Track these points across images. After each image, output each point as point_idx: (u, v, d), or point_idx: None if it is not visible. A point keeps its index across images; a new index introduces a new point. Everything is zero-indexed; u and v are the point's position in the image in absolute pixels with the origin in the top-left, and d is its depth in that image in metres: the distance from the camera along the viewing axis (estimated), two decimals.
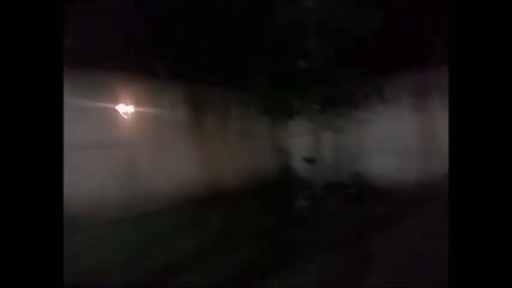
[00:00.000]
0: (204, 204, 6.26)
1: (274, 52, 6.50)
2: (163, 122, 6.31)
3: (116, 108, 5.67)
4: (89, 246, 4.20)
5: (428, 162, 6.25)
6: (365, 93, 6.86)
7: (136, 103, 5.92)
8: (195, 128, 6.88)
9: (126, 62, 5.61)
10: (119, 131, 5.72)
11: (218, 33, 6.48)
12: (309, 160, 6.55)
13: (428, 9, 5.71)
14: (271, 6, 6.01)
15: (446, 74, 1.77)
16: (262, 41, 6.33)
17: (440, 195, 4.25)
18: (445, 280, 1.65)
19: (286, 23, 5.94)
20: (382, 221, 5.00)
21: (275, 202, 6.40)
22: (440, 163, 4.51)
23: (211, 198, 6.55)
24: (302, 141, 7.50)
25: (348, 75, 6.18)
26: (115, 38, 5.66)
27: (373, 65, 5.89)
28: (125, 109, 5.78)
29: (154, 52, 6.15)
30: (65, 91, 5.29)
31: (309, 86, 6.39)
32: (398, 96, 6.69)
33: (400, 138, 6.50)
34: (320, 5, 5.98)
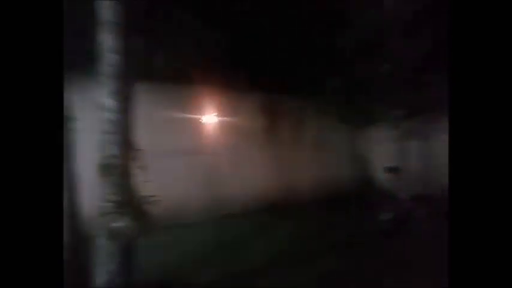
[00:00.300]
0: (280, 211, 6.26)
1: (353, 56, 6.27)
2: (242, 130, 6.53)
3: (199, 118, 6.07)
4: (171, 245, 4.50)
5: None
6: None
7: (218, 113, 6.25)
8: (272, 136, 6.97)
9: (209, 75, 5.98)
10: (202, 139, 6.10)
11: (294, 39, 6.51)
12: (393, 170, 6.08)
13: None
14: (351, 8, 5.83)
15: None
16: (340, 44, 6.15)
17: None
18: None
19: (367, 24, 5.68)
20: None
21: (354, 214, 6.09)
22: None
23: (287, 206, 6.53)
24: (384, 150, 7.04)
25: (437, 80, 5.63)
26: (198, 54, 6.09)
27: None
28: (207, 119, 6.15)
29: (233, 65, 6.44)
30: (156, 104, 5.76)
31: (392, 91, 6.00)
32: None
33: None
34: (403, 5, 5.60)
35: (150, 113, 5.14)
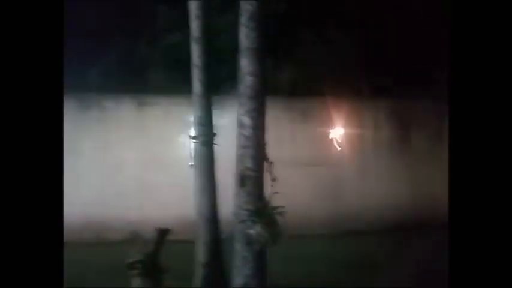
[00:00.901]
0: (412, 231, 5.69)
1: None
2: (369, 141, 6.28)
3: (325, 129, 6.11)
4: (290, 257, 4.53)
5: None
6: None
7: (344, 124, 6.17)
8: (402, 146, 6.46)
9: (333, 85, 5.99)
10: (329, 151, 6.10)
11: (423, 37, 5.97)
12: None
13: None
14: None
15: None
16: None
17: None
18: None
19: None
20: None
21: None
22: None
23: (421, 226, 5.89)
24: None
25: None
26: (320, 67, 6.19)
27: None
28: (334, 130, 6.14)
29: (358, 73, 6.28)
30: (280, 116, 6.01)
31: None
32: None
33: None
34: None
35: (280, 128, 5.43)
